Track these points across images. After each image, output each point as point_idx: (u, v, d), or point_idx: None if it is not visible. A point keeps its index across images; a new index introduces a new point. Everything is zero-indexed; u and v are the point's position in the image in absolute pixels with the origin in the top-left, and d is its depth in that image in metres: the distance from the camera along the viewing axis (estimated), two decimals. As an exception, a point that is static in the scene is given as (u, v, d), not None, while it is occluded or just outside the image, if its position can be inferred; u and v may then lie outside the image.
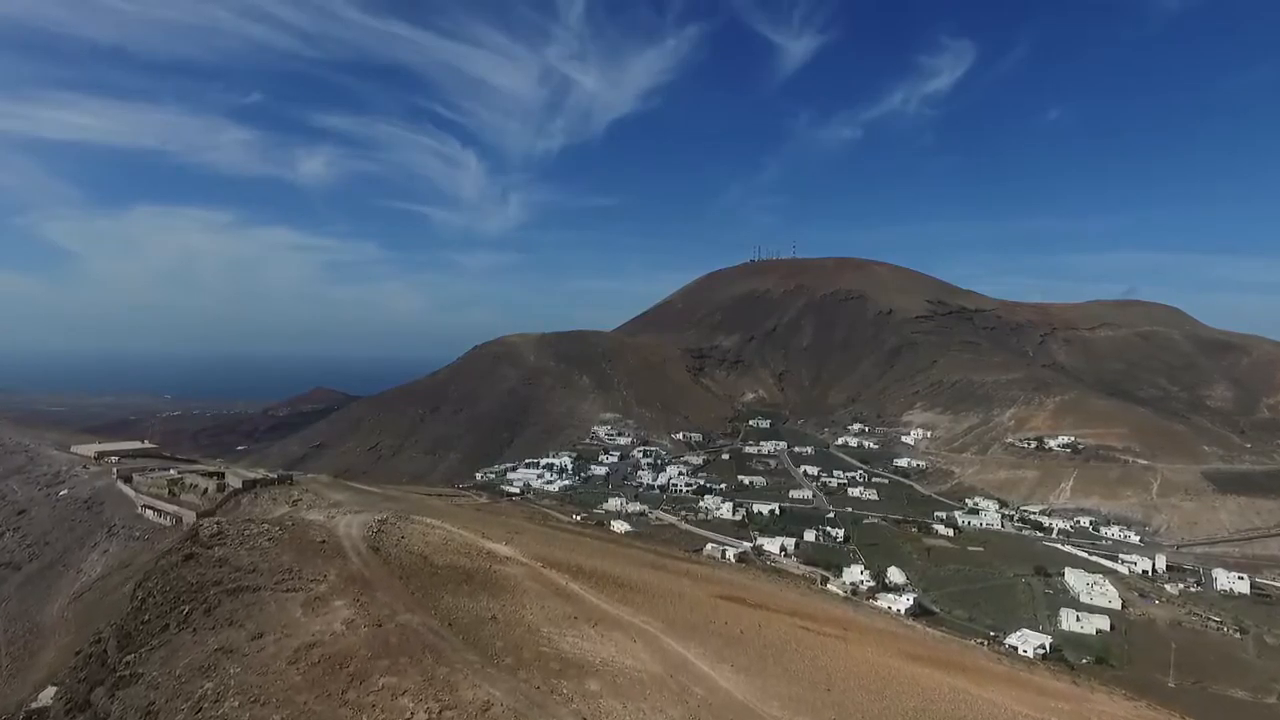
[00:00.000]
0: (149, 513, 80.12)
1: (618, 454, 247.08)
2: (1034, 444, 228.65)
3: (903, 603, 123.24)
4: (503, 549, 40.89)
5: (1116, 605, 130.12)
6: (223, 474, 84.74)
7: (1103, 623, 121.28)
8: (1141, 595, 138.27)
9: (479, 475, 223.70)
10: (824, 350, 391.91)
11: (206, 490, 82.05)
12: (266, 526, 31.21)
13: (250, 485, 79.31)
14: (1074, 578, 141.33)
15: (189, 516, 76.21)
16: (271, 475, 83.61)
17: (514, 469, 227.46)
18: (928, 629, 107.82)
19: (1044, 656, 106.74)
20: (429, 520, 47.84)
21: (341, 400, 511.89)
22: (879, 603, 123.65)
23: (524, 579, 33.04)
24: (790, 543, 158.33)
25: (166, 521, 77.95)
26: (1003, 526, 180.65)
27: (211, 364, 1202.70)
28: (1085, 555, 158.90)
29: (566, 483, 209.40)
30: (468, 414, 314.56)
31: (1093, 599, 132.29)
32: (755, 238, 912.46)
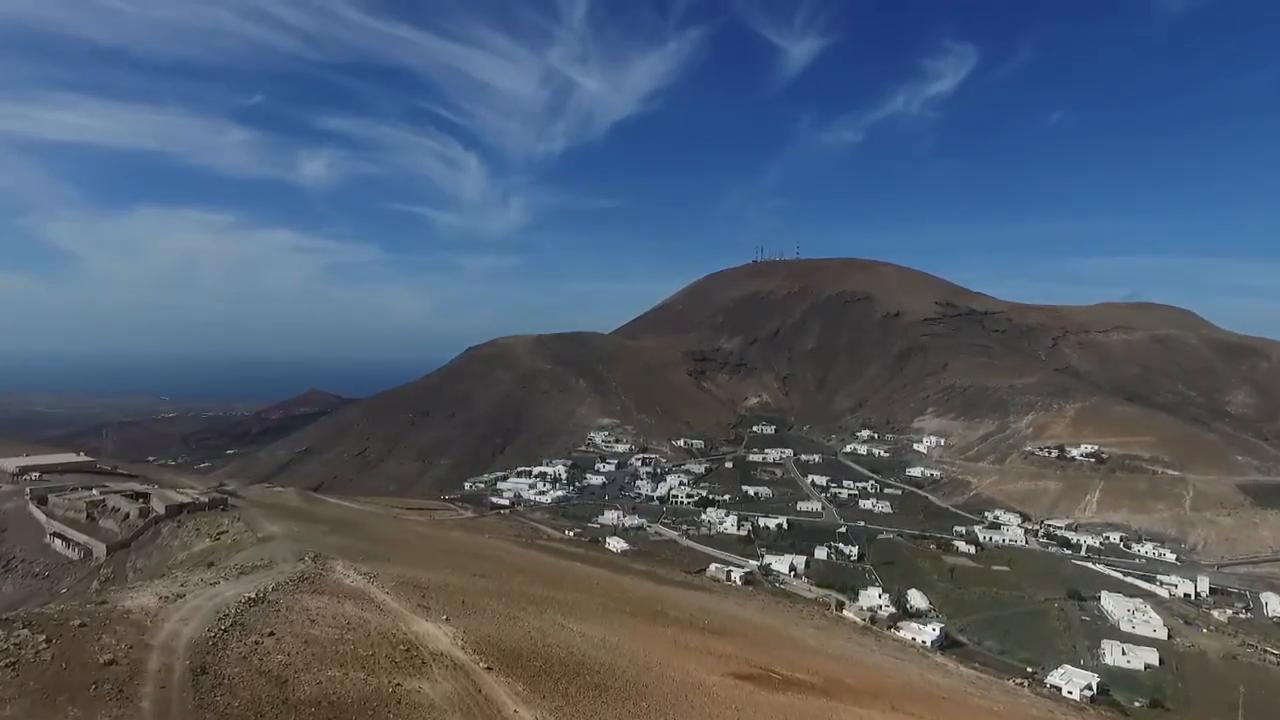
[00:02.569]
0: (57, 542, 68.18)
1: (615, 462, 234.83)
2: (1055, 453, 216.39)
3: (928, 633, 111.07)
4: (435, 634, 28.80)
5: (1162, 635, 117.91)
6: (148, 496, 72.69)
7: (1150, 656, 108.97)
8: (1187, 623, 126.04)
9: (468, 485, 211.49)
10: (830, 353, 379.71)
11: (128, 516, 70.12)
12: (25, 635, 19.28)
13: (176, 510, 67.37)
14: (1112, 603, 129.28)
15: (99, 549, 64.53)
16: (203, 498, 71.60)
17: (505, 478, 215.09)
18: (961, 667, 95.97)
19: (1092, 699, 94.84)
20: (348, 578, 35.70)
21: (335, 403, 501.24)
22: (902, 633, 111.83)
23: (447, 710, 20.96)
24: (800, 561, 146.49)
25: (74, 554, 65.98)
26: (1027, 543, 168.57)
27: (212, 365, 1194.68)
28: (1120, 576, 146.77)
29: (560, 493, 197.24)
30: (460, 419, 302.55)
31: (1135, 628, 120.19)
32: (757, 240, 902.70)
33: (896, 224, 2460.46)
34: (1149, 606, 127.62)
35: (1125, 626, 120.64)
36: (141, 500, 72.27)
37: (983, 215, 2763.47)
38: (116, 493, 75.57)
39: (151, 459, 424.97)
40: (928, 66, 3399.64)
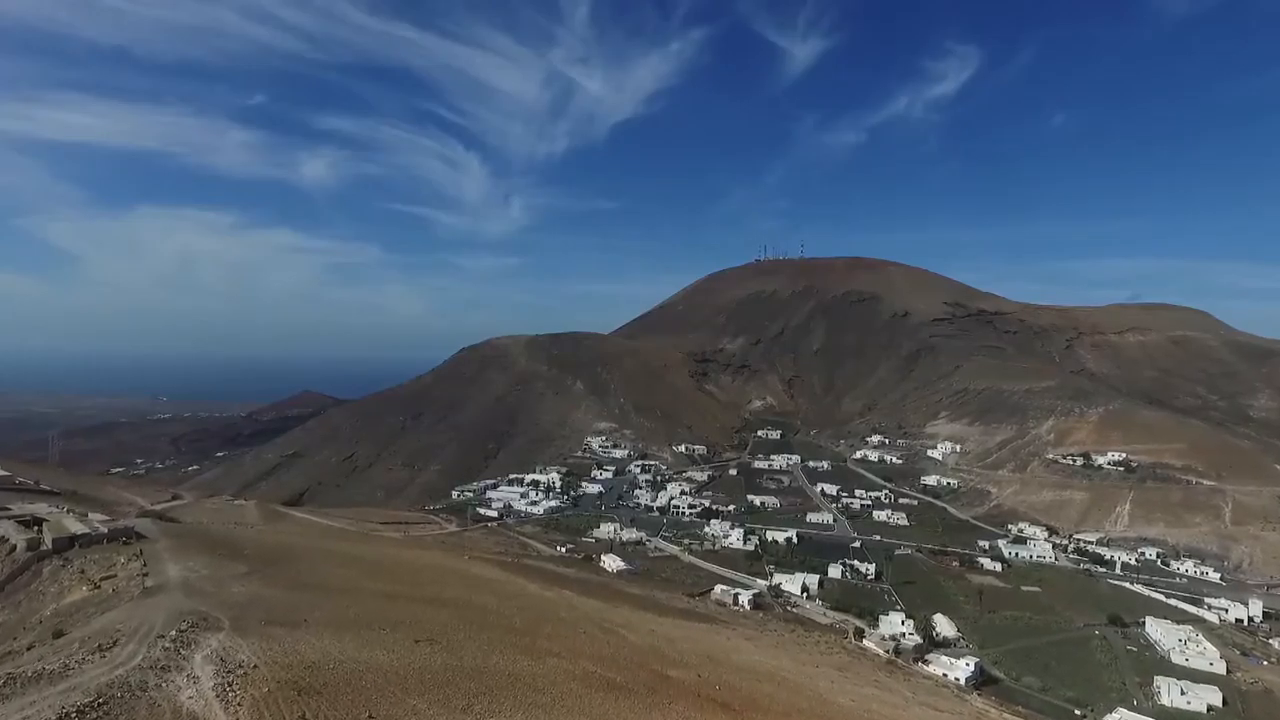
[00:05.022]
0: (-76, 582, 55.42)
1: (612, 469, 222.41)
2: (1080, 461, 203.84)
3: (962, 669, 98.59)
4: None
5: (1221, 669, 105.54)
6: (43, 523, 60.44)
7: (1212, 696, 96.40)
8: (1243, 653, 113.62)
9: (455, 493, 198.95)
10: (836, 354, 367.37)
11: (15, 548, 57.69)
12: None
13: (66, 545, 55.03)
14: (1159, 630, 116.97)
15: (-34, 592, 51.67)
16: (103, 528, 59.31)
17: (495, 486, 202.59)
18: (1005, 715, 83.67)
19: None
20: (191, 689, 23.57)
21: (327, 404, 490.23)
22: (931, 667, 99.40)
23: None
24: (813, 581, 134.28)
25: (-63, 598, 53.09)
26: (1056, 560, 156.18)
27: (212, 366, 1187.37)
28: (1162, 598, 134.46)
29: (553, 503, 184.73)
30: (451, 422, 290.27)
31: (1189, 660, 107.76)
32: (759, 241, 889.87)
33: (898, 226, 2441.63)
34: (1200, 634, 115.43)
35: (1177, 659, 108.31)
36: (36, 528, 60.08)
37: (984, 217, 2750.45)
38: (10, 518, 63.31)
39: (140, 462, 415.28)
40: (930, 68, 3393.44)
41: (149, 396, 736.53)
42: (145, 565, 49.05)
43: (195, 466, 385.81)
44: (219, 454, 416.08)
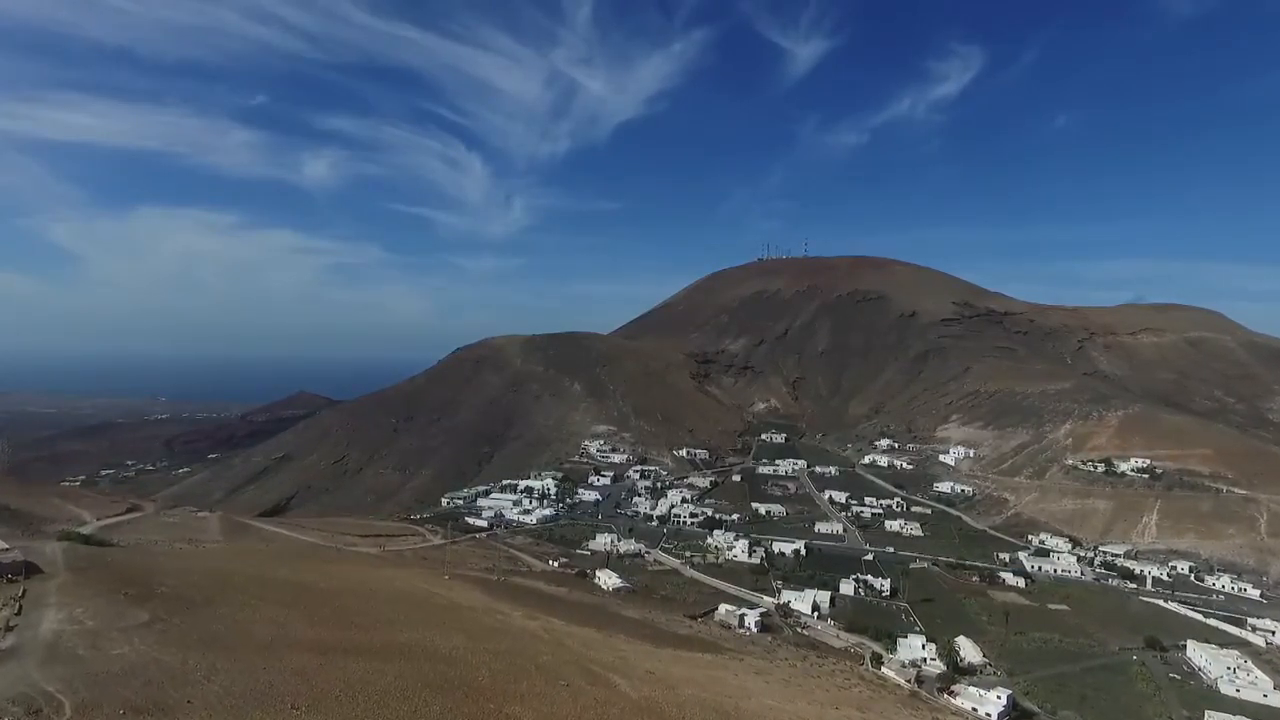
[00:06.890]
0: None
1: (611, 475, 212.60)
2: (1101, 467, 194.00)
3: (993, 702, 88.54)
4: None
5: (1276, 701, 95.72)
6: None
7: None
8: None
9: (445, 501, 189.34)
10: (842, 355, 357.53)
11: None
12: None
13: (-61, 581, 45.34)
14: (1203, 655, 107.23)
15: None
16: (-10, 561, 49.81)
17: (487, 493, 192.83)
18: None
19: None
20: None
21: (321, 405, 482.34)
22: (959, 700, 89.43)
23: None
24: (824, 598, 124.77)
25: None
26: (1082, 574, 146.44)
27: (211, 366, 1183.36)
28: (1200, 618, 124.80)
29: (548, 512, 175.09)
30: (444, 425, 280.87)
31: (1239, 690, 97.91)
32: (761, 242, 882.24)
33: (900, 227, 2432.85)
34: (1249, 660, 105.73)
35: (1226, 688, 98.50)
36: (-82, 557, 50.63)
37: (986, 218, 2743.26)
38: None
39: (131, 464, 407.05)
40: (933, 68, 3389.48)
41: (148, 397, 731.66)
42: (19, 612, 39.59)
43: (186, 469, 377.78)
44: (211, 456, 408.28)
